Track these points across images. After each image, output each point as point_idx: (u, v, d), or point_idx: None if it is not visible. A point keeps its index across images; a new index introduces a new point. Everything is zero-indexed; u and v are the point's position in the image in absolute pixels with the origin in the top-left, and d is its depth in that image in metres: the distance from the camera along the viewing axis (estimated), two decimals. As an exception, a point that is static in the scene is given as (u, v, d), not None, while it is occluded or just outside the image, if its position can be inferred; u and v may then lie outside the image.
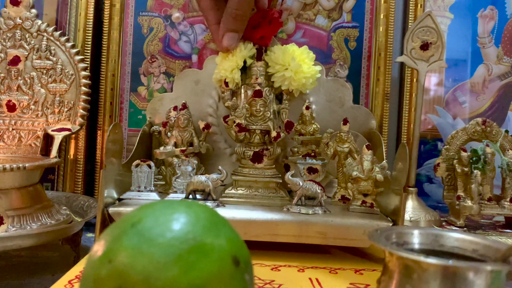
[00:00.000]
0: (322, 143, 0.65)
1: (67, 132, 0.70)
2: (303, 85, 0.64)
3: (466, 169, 0.70)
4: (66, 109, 0.72)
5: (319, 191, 0.56)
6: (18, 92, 0.72)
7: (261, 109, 0.62)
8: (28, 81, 0.72)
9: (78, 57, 0.73)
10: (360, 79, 0.79)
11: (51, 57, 0.73)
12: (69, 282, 0.43)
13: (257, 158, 0.62)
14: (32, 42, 0.72)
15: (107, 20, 0.78)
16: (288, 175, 0.56)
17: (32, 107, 0.72)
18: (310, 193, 0.56)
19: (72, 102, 0.72)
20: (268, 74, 0.64)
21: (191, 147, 0.64)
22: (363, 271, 0.50)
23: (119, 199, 0.58)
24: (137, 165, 0.60)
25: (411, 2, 0.81)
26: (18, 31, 0.72)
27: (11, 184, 0.56)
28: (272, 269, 0.49)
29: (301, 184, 0.56)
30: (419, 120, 0.72)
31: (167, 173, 0.64)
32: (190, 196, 0.57)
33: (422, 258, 0.26)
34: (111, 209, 0.54)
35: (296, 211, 0.55)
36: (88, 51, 0.77)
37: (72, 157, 0.77)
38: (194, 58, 0.79)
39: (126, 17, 0.78)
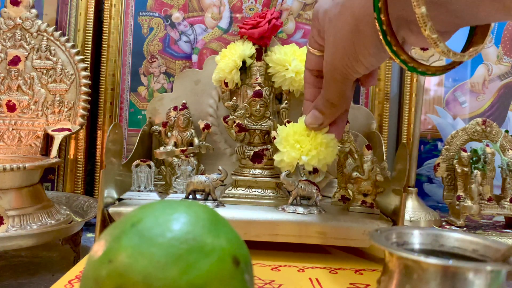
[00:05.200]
0: (322, 143, 0.65)
1: (67, 132, 0.70)
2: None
3: (466, 169, 0.70)
4: (66, 109, 0.72)
5: (314, 191, 0.56)
6: (18, 92, 0.72)
7: (261, 109, 0.62)
8: (28, 81, 0.72)
9: (78, 57, 0.73)
10: (360, 79, 0.79)
11: (51, 57, 0.73)
12: (69, 282, 0.43)
13: (257, 158, 0.62)
14: (32, 42, 0.72)
15: (107, 20, 0.78)
16: (283, 175, 0.56)
17: (32, 107, 0.72)
18: (306, 193, 0.56)
19: (72, 102, 0.72)
20: (268, 74, 0.64)
21: (191, 147, 0.64)
22: (363, 271, 0.50)
23: (119, 199, 0.58)
24: (137, 165, 0.60)
25: (411, 2, 0.81)
26: (18, 31, 0.72)
27: (11, 184, 0.56)
28: (272, 269, 0.49)
29: (296, 184, 0.56)
30: (419, 120, 0.72)
31: (167, 173, 0.64)
32: (190, 196, 0.57)
33: (422, 258, 0.26)
34: (111, 209, 0.54)
35: (291, 211, 0.55)
36: (88, 51, 0.77)
37: (72, 157, 0.77)
38: (194, 58, 0.79)
39: (126, 17, 0.78)
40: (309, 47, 0.49)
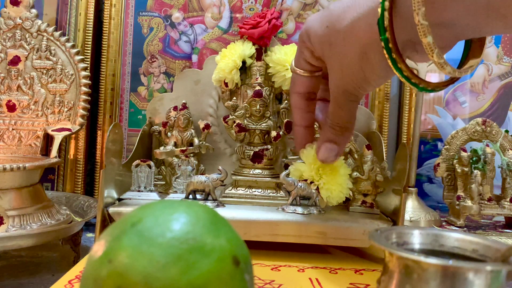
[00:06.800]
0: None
1: (67, 132, 0.70)
2: (303, 85, 0.64)
3: (466, 169, 0.70)
4: (66, 109, 0.72)
5: (314, 191, 0.56)
6: (18, 92, 0.72)
7: (261, 109, 0.62)
8: (28, 81, 0.72)
9: (78, 57, 0.73)
10: (360, 79, 0.79)
11: (51, 57, 0.73)
12: (69, 282, 0.43)
13: (257, 158, 0.62)
14: (32, 42, 0.72)
15: (107, 20, 0.78)
16: (283, 175, 0.56)
17: (32, 107, 0.72)
18: (305, 193, 0.56)
19: (72, 102, 0.72)
20: (268, 74, 0.64)
21: (191, 147, 0.64)
22: (363, 271, 0.50)
23: (119, 199, 0.58)
24: (137, 165, 0.60)
25: (411, 2, 0.81)
26: (18, 31, 0.72)
27: (11, 184, 0.56)
28: (272, 269, 0.49)
29: (296, 183, 0.56)
30: (419, 120, 0.72)
31: (167, 173, 0.64)
32: (190, 196, 0.57)
33: (422, 258, 0.26)
34: (111, 209, 0.54)
35: (291, 211, 0.55)
36: (88, 51, 0.77)
37: (72, 157, 0.77)
38: (194, 58, 0.79)
39: (126, 17, 0.78)
40: (296, 69, 0.47)
